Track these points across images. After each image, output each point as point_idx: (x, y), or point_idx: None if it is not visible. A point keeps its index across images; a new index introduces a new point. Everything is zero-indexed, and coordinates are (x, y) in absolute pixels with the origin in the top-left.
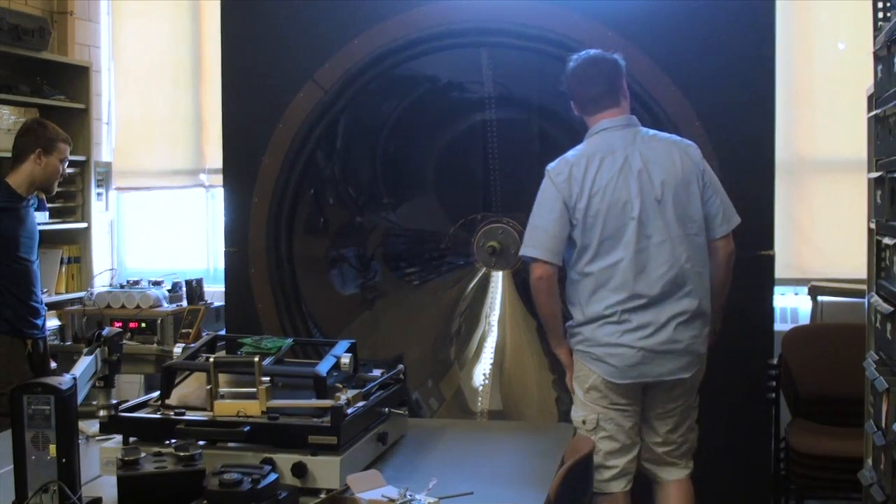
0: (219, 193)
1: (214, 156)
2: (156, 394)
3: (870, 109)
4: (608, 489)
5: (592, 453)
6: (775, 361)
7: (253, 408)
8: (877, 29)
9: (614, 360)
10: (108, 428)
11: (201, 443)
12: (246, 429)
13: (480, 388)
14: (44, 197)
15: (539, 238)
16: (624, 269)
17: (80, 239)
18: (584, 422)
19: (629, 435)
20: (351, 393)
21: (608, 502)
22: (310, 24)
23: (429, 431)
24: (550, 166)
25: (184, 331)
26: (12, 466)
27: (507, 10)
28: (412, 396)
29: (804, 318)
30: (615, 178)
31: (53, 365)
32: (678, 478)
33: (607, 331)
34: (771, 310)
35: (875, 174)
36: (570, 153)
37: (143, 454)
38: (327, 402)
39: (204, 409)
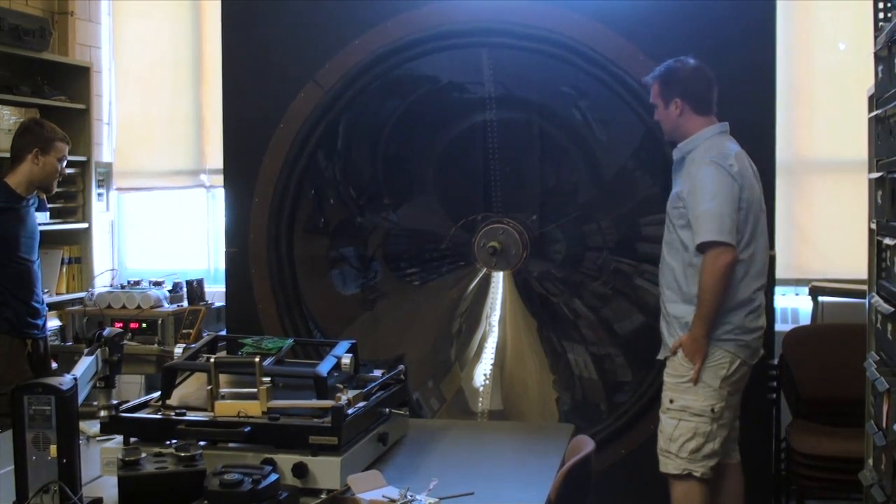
0: (219, 194)
1: (215, 156)
2: (156, 394)
3: (870, 110)
4: (708, 476)
5: (592, 453)
6: (776, 362)
7: (253, 408)
8: (877, 29)
9: (756, 343)
10: (108, 428)
11: (202, 443)
12: (246, 429)
13: (481, 388)
14: (45, 197)
15: (726, 224)
16: (761, 258)
17: (80, 239)
18: (713, 409)
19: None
20: (351, 393)
21: (700, 488)
22: (310, 24)
23: (429, 432)
24: (715, 157)
25: (184, 331)
26: (13, 467)
27: (508, 10)
28: (413, 397)
29: (805, 318)
30: (752, 174)
31: (54, 365)
32: (739, 460)
33: (752, 316)
34: (771, 310)
35: (876, 174)
36: (721, 148)
37: (143, 454)
38: (328, 403)
39: (204, 410)
